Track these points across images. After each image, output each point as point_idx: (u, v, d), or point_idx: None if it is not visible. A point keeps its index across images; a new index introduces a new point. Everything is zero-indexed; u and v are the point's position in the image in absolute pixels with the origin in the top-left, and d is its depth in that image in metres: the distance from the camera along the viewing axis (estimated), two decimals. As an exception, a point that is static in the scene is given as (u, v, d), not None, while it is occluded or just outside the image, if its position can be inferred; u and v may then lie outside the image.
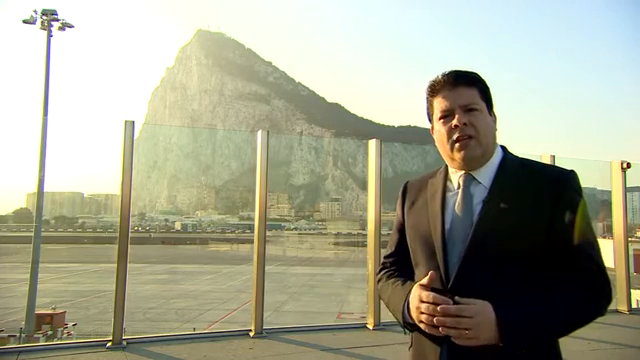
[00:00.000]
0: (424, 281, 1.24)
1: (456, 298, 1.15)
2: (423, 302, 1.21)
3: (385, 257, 1.57)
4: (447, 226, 1.31)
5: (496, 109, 1.39)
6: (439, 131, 1.35)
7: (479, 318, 1.11)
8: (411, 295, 1.28)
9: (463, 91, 1.32)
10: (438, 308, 1.14)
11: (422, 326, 1.22)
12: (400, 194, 1.53)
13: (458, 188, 1.35)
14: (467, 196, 1.32)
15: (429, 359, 1.28)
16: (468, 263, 1.24)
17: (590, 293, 1.22)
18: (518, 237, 1.22)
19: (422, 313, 1.20)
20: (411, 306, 1.26)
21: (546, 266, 1.23)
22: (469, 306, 1.13)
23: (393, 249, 1.53)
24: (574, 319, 1.20)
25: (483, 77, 1.38)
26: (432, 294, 1.20)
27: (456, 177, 1.37)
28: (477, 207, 1.28)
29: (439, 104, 1.34)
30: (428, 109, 1.41)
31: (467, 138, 1.29)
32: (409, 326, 1.32)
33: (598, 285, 1.23)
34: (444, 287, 1.26)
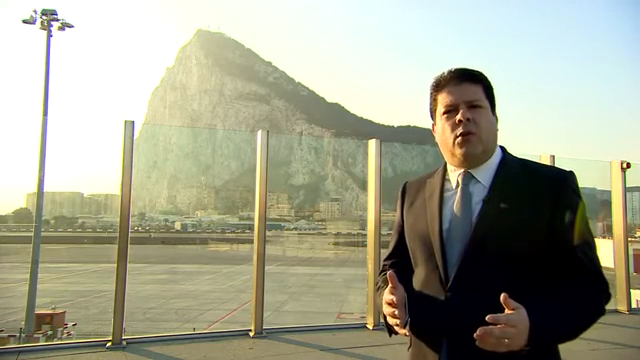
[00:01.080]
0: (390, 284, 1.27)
1: (503, 297, 1.06)
2: (386, 303, 1.27)
3: (384, 260, 1.57)
4: (446, 225, 1.31)
5: (497, 109, 1.40)
6: (442, 126, 1.35)
7: (520, 327, 1.06)
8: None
9: (468, 87, 1.32)
10: (487, 318, 1.05)
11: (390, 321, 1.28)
12: (399, 195, 1.53)
13: (457, 187, 1.35)
14: (466, 195, 1.31)
15: (428, 358, 1.28)
16: (468, 262, 1.24)
17: (594, 294, 1.22)
18: (518, 237, 1.22)
19: (388, 314, 1.27)
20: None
21: (545, 266, 1.23)
22: (514, 315, 1.07)
23: (392, 250, 1.54)
24: (586, 321, 1.20)
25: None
26: (391, 296, 1.25)
27: (455, 175, 1.37)
28: (476, 206, 1.28)
29: (444, 99, 1.34)
30: (431, 104, 1.41)
31: (469, 134, 1.29)
32: (389, 329, 1.35)
33: (599, 286, 1.23)
34: (443, 287, 1.27)
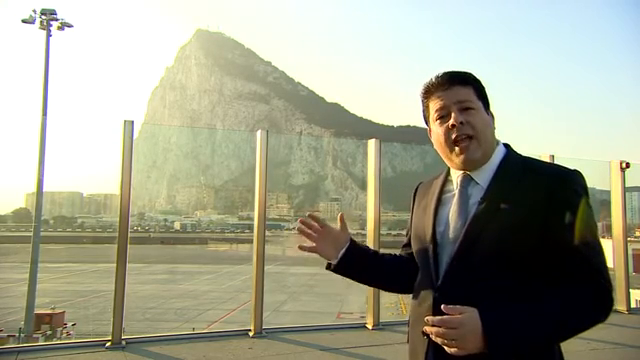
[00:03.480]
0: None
1: (443, 307, 1.11)
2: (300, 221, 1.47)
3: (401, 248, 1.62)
4: (441, 227, 1.31)
5: (496, 109, 1.38)
6: (436, 132, 1.34)
7: (464, 329, 1.07)
8: None
9: (458, 90, 1.30)
10: (426, 319, 1.12)
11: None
12: (412, 196, 1.55)
13: (457, 188, 1.34)
14: (463, 196, 1.31)
15: (419, 354, 1.30)
16: (457, 263, 1.24)
17: (586, 299, 1.15)
18: (511, 238, 1.20)
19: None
20: None
21: (540, 268, 1.21)
22: (454, 317, 1.08)
23: (404, 244, 1.59)
24: (567, 328, 1.15)
25: (481, 77, 1.36)
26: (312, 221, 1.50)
27: (455, 177, 1.37)
28: (473, 207, 1.27)
29: (435, 105, 1.33)
30: (424, 112, 1.40)
31: (466, 138, 1.28)
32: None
33: (596, 288, 1.17)
34: (433, 287, 1.27)
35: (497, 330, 1.08)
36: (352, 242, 1.52)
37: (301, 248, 1.53)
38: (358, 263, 1.52)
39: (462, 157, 1.29)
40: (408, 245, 1.55)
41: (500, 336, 1.08)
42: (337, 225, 1.53)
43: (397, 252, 1.61)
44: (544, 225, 1.19)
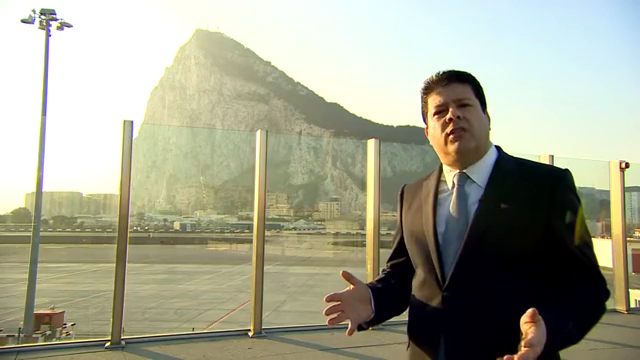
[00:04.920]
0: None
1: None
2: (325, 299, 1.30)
3: (387, 261, 1.59)
4: (442, 226, 1.31)
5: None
6: (433, 127, 1.36)
7: (541, 347, 0.99)
8: None
9: (456, 87, 1.33)
10: (525, 343, 0.96)
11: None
12: (398, 198, 1.54)
13: (452, 187, 1.35)
14: (462, 195, 1.32)
15: (427, 355, 1.29)
16: (464, 261, 1.24)
17: (596, 295, 1.21)
18: (515, 236, 1.22)
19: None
20: None
21: (544, 265, 1.23)
22: (537, 336, 0.98)
23: (393, 252, 1.56)
24: (591, 325, 1.17)
25: (481, 76, 1.39)
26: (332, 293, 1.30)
27: (450, 177, 1.37)
28: (473, 206, 1.28)
29: (433, 100, 1.36)
30: (423, 108, 1.42)
31: (461, 130, 1.30)
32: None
33: (599, 284, 1.23)
34: (440, 287, 1.27)
35: (553, 345, 1.03)
36: (371, 289, 1.40)
37: (350, 334, 1.34)
38: (389, 300, 1.43)
39: (456, 146, 1.30)
40: (395, 256, 1.53)
41: (552, 349, 1.04)
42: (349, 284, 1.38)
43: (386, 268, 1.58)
44: (547, 223, 1.22)
